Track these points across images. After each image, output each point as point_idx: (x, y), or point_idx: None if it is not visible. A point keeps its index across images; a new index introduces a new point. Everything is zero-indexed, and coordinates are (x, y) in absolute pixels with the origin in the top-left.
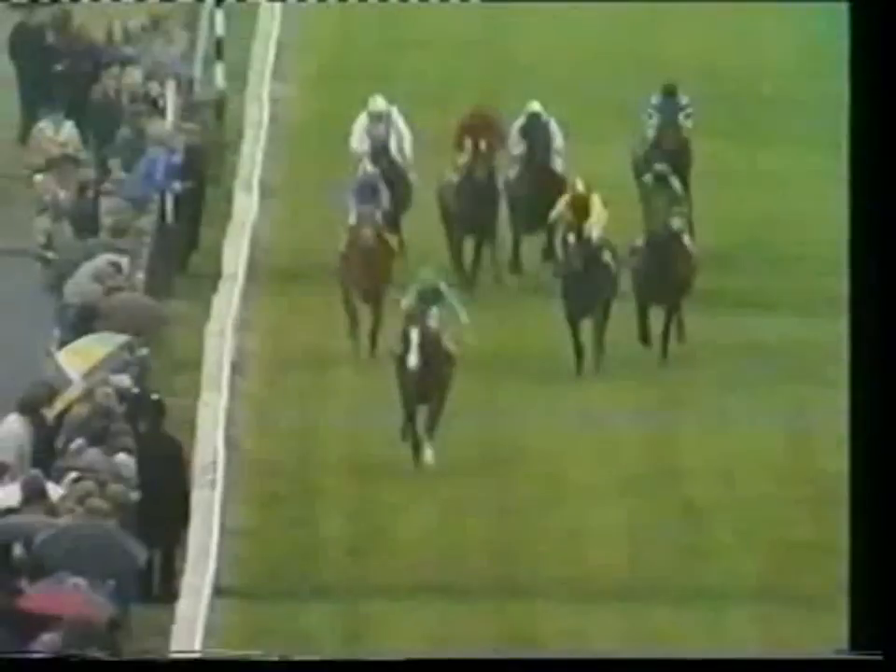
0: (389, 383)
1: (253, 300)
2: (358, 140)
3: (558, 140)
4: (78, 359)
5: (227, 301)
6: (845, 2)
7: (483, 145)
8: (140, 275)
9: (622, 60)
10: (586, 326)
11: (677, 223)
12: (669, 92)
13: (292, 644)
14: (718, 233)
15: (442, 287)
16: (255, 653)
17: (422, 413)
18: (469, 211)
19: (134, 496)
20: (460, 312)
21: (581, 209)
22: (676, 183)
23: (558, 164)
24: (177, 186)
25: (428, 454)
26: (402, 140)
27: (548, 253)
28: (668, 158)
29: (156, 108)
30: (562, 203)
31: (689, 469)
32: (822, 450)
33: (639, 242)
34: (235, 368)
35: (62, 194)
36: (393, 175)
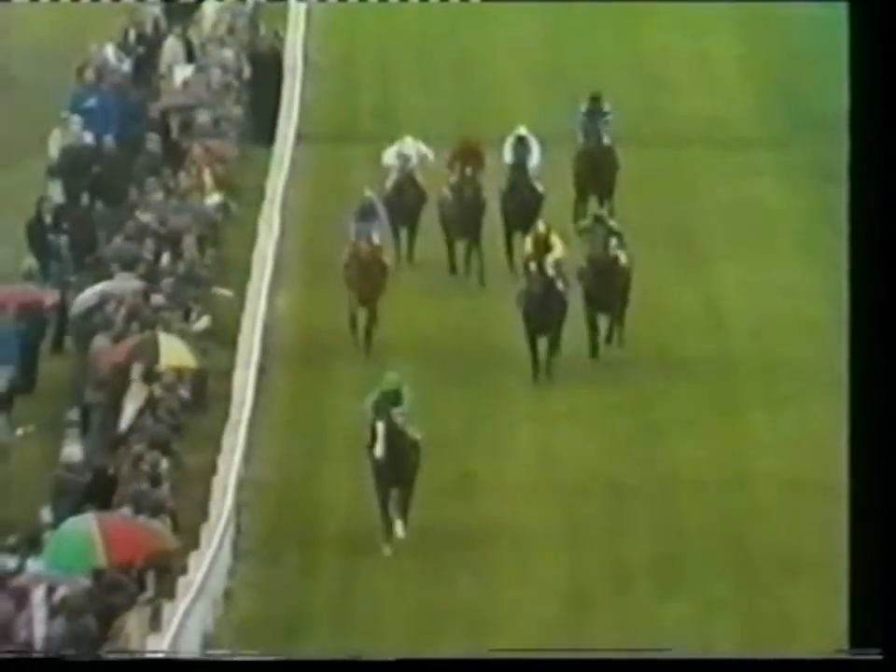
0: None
1: None
2: (389, 158)
3: (536, 158)
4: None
5: None
6: (844, 2)
7: (468, 169)
8: None
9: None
10: (542, 342)
11: (614, 249)
12: (594, 99)
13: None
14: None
15: (405, 391)
16: (250, 653)
17: (394, 495)
18: (460, 220)
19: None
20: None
21: (542, 244)
22: (612, 222)
23: (537, 178)
24: None
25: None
26: (425, 159)
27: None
28: (595, 162)
29: None
30: (528, 242)
31: (688, 477)
32: (811, 451)
33: (584, 264)
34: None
35: None
36: (414, 193)
